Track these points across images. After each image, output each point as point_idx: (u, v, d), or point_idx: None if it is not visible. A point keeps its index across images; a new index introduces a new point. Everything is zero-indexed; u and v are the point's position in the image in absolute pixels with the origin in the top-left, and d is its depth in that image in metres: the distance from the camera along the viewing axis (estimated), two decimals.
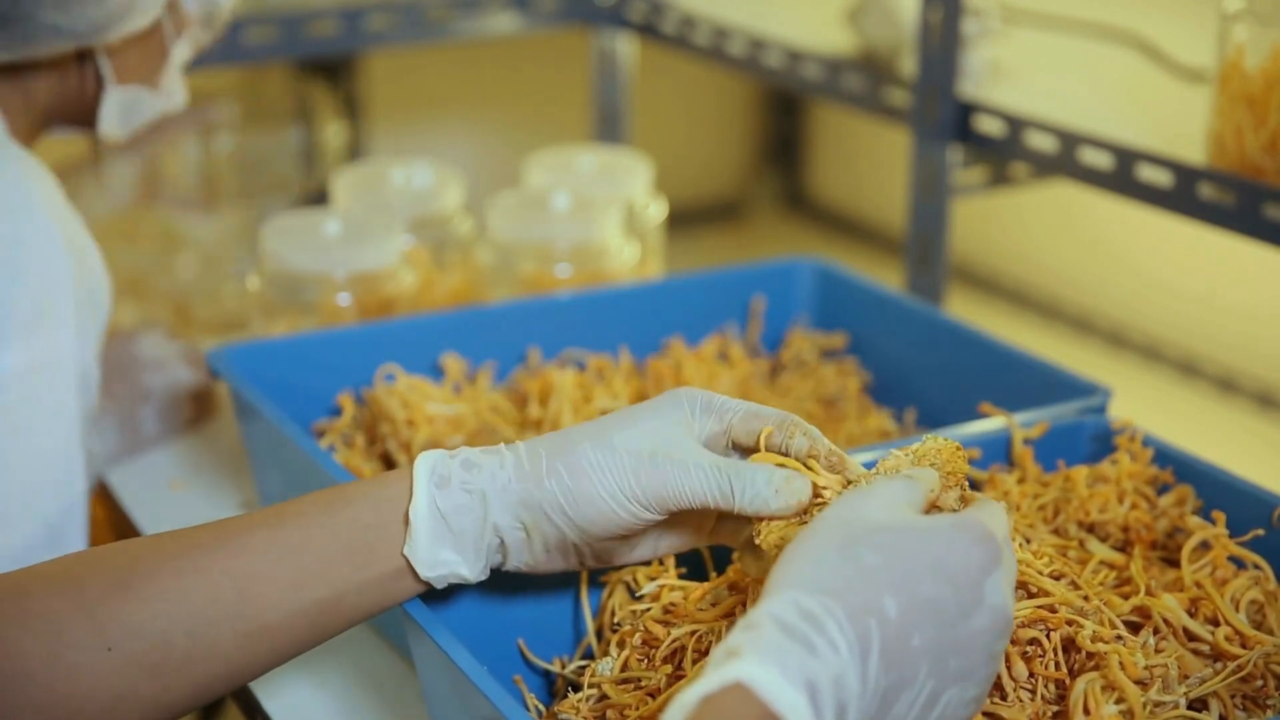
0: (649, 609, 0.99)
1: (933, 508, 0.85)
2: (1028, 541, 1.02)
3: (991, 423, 1.18)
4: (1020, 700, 0.87)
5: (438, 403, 1.29)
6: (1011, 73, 1.69)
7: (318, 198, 2.06)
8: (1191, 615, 0.97)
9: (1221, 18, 1.34)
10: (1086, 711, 0.85)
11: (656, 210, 1.70)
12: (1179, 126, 1.49)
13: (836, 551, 0.77)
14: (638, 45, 2.21)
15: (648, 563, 1.02)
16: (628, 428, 0.90)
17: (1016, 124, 1.56)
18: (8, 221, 1.18)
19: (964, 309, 2.25)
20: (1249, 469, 1.11)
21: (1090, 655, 0.88)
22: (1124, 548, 1.08)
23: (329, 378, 1.33)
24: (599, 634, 1.03)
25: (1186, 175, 1.39)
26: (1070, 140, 1.50)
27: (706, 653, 0.93)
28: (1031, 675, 0.87)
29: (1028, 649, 0.88)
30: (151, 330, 1.54)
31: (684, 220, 2.61)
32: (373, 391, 1.30)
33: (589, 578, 1.04)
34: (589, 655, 1.03)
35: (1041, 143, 1.53)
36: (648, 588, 1.01)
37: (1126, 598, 0.98)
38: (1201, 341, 2.22)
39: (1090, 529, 1.09)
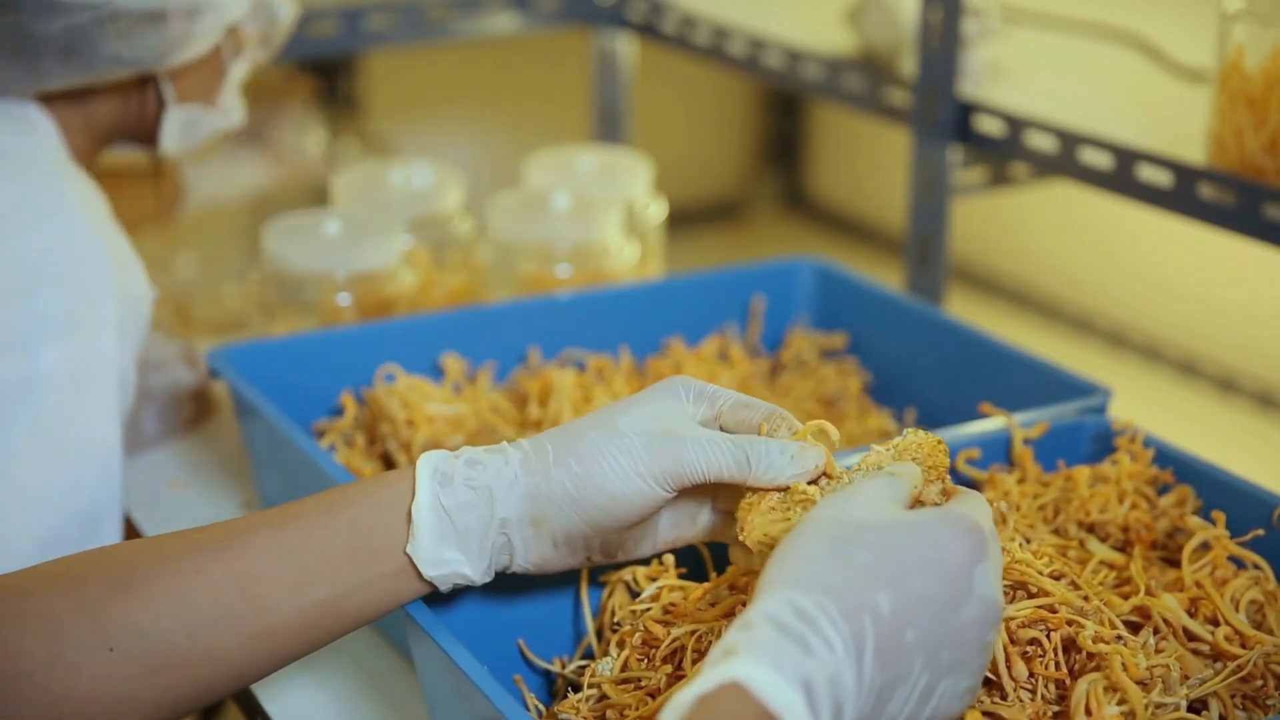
0: (649, 609, 0.99)
1: (916, 502, 0.86)
2: (1028, 541, 1.02)
3: (991, 423, 1.18)
4: (1020, 700, 0.87)
5: (438, 403, 1.29)
6: (1011, 73, 1.69)
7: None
8: (1191, 615, 0.97)
9: (1221, 18, 1.34)
10: (1088, 712, 0.85)
11: (656, 210, 1.70)
12: (1179, 126, 1.49)
13: (827, 550, 0.77)
14: (638, 45, 2.21)
15: (647, 561, 1.02)
16: (631, 412, 0.91)
17: (1016, 124, 1.56)
18: (48, 230, 1.23)
19: (964, 309, 2.25)
20: (1249, 469, 1.11)
21: (1091, 655, 0.88)
22: (1124, 548, 1.08)
23: (329, 378, 1.33)
24: (599, 634, 1.03)
25: (1186, 175, 1.39)
26: (1070, 140, 1.50)
27: (706, 653, 0.93)
28: (1031, 675, 0.87)
29: (1028, 649, 0.88)
30: (152, 330, 1.54)
31: (684, 220, 2.62)
32: (373, 391, 1.31)
33: (589, 577, 1.04)
34: (589, 655, 1.03)
35: (1041, 143, 1.53)
36: (648, 589, 1.01)
37: (1126, 598, 0.98)
38: (1201, 341, 2.22)
39: (1090, 529, 1.09)
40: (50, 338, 1.21)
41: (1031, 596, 0.91)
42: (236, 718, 1.67)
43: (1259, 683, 0.93)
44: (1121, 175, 1.46)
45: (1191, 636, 0.96)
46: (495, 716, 0.84)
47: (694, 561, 1.04)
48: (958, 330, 1.37)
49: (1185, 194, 1.39)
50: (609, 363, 1.40)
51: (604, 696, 0.95)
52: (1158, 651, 0.93)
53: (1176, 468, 1.12)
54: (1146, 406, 1.40)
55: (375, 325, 1.38)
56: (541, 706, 1.00)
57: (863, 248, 2.82)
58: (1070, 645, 0.89)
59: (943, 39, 1.58)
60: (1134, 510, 1.09)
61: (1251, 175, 1.33)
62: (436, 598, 0.96)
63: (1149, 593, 0.98)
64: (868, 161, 2.92)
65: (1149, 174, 1.43)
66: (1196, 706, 0.92)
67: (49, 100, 1.31)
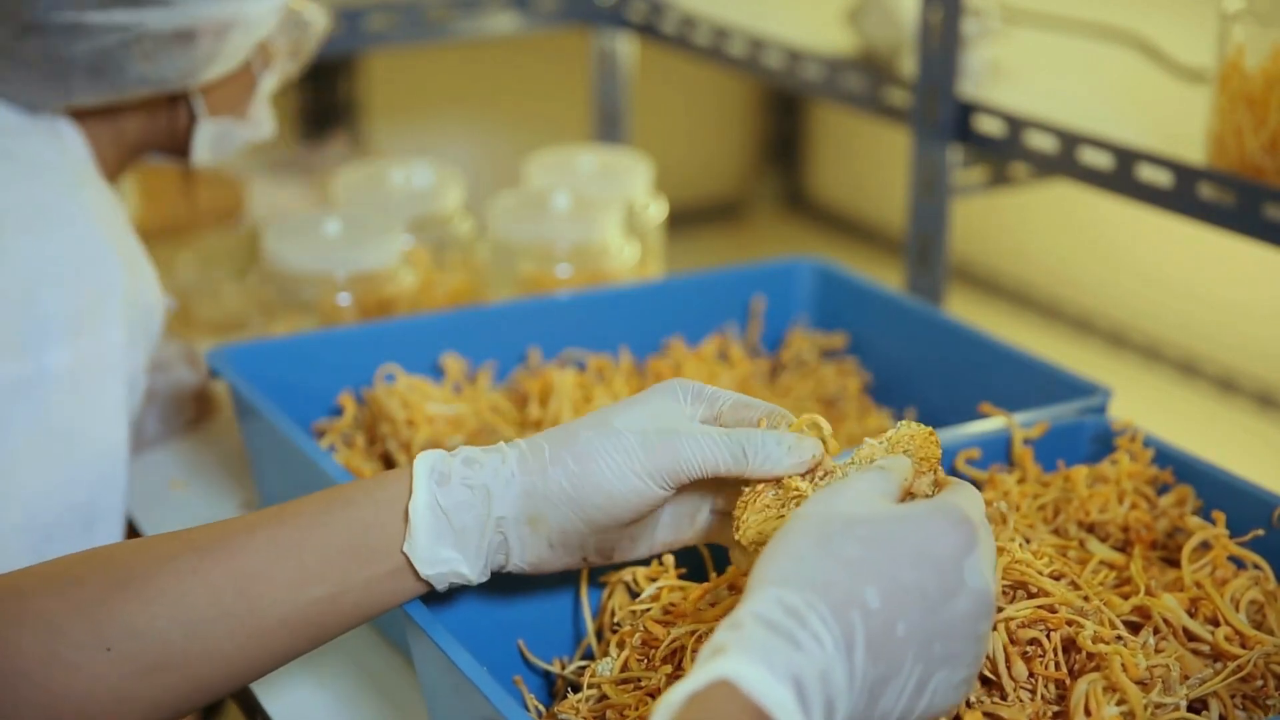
0: (649, 609, 0.99)
1: (907, 495, 0.86)
2: (1027, 541, 1.01)
3: (991, 423, 1.18)
4: (1020, 700, 0.87)
5: (438, 403, 1.29)
6: (1011, 73, 1.69)
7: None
8: (1191, 615, 0.97)
9: (1221, 18, 1.34)
10: (1088, 712, 0.85)
11: (656, 210, 1.70)
12: (1179, 126, 1.49)
13: (815, 546, 0.77)
14: (638, 45, 2.21)
15: (646, 562, 1.02)
16: (627, 412, 0.91)
17: (1016, 124, 1.56)
18: (61, 234, 1.25)
19: (964, 309, 2.25)
20: (1249, 469, 1.11)
21: (1090, 655, 0.88)
22: (1124, 548, 1.08)
23: (329, 378, 1.33)
24: (599, 634, 1.03)
25: (1186, 175, 1.39)
26: (1070, 140, 1.50)
27: None
28: (1031, 675, 0.87)
29: (1027, 649, 0.88)
30: None
31: (684, 220, 2.62)
32: (373, 391, 1.30)
33: (589, 578, 1.04)
34: (589, 655, 1.03)
35: (1041, 143, 1.53)
36: (648, 589, 1.01)
37: (1126, 598, 0.98)
38: (1201, 341, 2.22)
39: (1090, 529, 1.09)
40: (57, 338, 1.23)
41: (1031, 596, 0.91)
42: (236, 718, 1.67)
43: (1259, 683, 0.93)
44: (1121, 175, 1.46)
45: (1191, 636, 0.95)
46: (495, 717, 0.84)
47: (694, 561, 1.04)
48: (958, 330, 1.37)
49: (1185, 194, 1.39)
50: (609, 363, 1.40)
51: (604, 697, 0.95)
52: (1158, 651, 0.93)
53: (1176, 468, 1.11)
54: (1146, 406, 1.40)
55: (375, 325, 1.38)
56: (541, 707, 1.00)
57: (863, 248, 2.82)
58: (1070, 645, 0.89)
59: (943, 39, 1.58)
60: (1134, 510, 1.09)
61: (1251, 175, 1.33)
62: (436, 598, 0.96)
63: (1149, 593, 0.98)
64: (868, 161, 2.92)
65: (1149, 174, 1.43)
66: (1196, 706, 0.91)
67: (79, 115, 1.34)
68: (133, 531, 1.36)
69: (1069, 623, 0.89)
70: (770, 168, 3.08)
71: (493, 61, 2.73)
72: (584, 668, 1.01)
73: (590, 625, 1.03)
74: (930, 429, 0.90)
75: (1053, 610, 0.89)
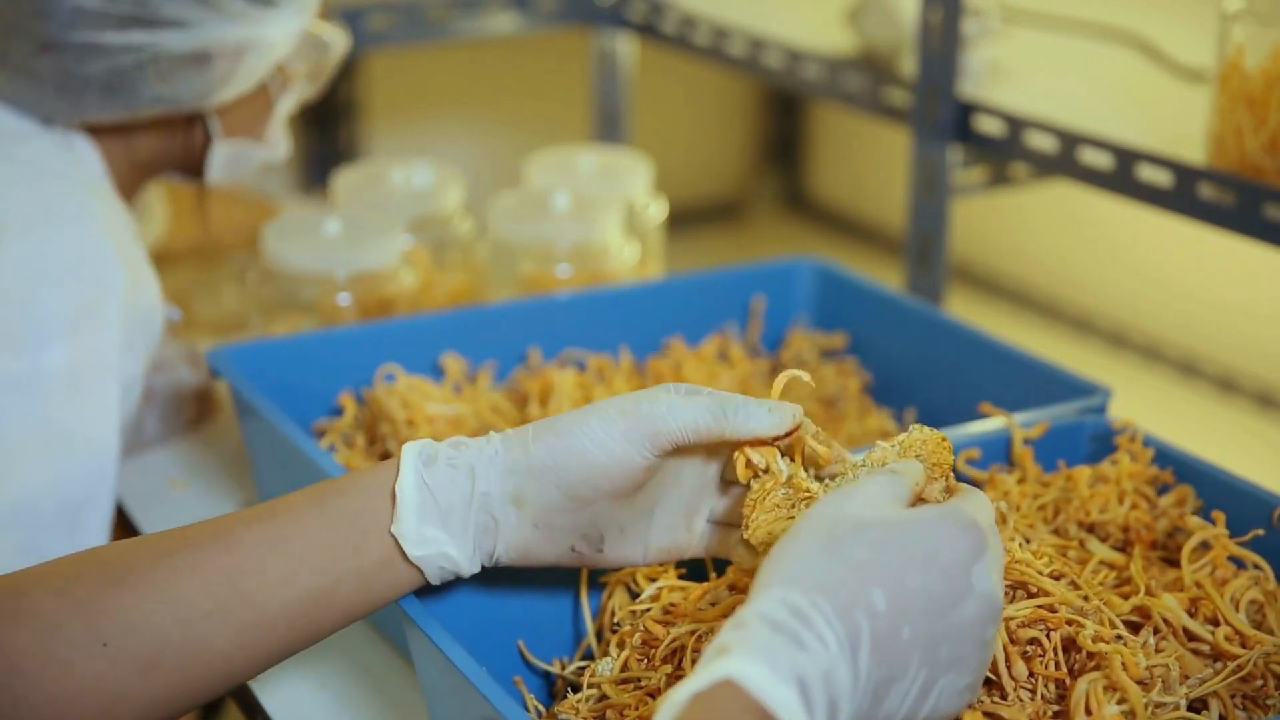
0: (649, 609, 0.99)
1: (918, 500, 0.86)
2: (1028, 541, 1.01)
3: (991, 423, 1.18)
4: (1020, 700, 0.87)
5: (438, 403, 1.29)
6: (1011, 73, 1.69)
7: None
8: (1191, 615, 0.97)
9: (1221, 18, 1.34)
10: (1088, 712, 0.85)
11: (656, 210, 1.70)
12: (1179, 126, 1.49)
13: (823, 547, 0.77)
14: (638, 45, 2.21)
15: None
16: (611, 398, 0.92)
17: (1016, 124, 1.56)
18: (61, 236, 1.25)
19: (964, 309, 2.25)
20: (1249, 469, 1.11)
21: (1090, 655, 0.88)
22: (1124, 548, 1.08)
23: (329, 378, 1.33)
24: (599, 634, 1.03)
25: (1186, 175, 1.39)
26: (1070, 140, 1.50)
27: None
28: (1031, 675, 0.87)
29: (1028, 649, 0.88)
30: None
31: (684, 220, 2.61)
32: (373, 391, 1.30)
33: (589, 578, 1.04)
34: (589, 656, 1.03)
35: (1041, 143, 1.53)
36: (648, 589, 1.01)
37: (1126, 598, 0.98)
38: (1201, 341, 2.22)
39: (1090, 529, 1.09)
40: (55, 337, 1.23)
41: (1031, 596, 0.91)
42: (236, 717, 1.67)
43: (1259, 683, 0.93)
44: (1121, 175, 1.46)
45: (1191, 636, 0.95)
46: (494, 717, 0.84)
47: (694, 561, 1.04)
48: (958, 330, 1.37)
49: (1185, 194, 1.39)
50: (609, 363, 1.40)
51: (604, 697, 0.95)
52: (1158, 651, 0.93)
53: (1176, 468, 1.12)
54: (1146, 406, 1.40)
55: (375, 325, 1.38)
56: (541, 707, 1.00)
57: (863, 248, 2.82)
58: (1070, 645, 0.89)
59: (943, 39, 1.58)
60: (1134, 510, 1.09)
61: (1251, 175, 1.33)
62: (436, 598, 0.96)
63: (1149, 593, 0.98)
64: (868, 161, 2.92)
65: (1149, 174, 1.43)
66: (1196, 706, 0.91)
67: (94, 130, 1.35)
68: (132, 531, 1.36)
69: (1069, 622, 0.89)
70: (770, 168, 3.07)
71: (493, 61, 2.72)
72: (584, 668, 1.01)
73: (590, 625, 1.03)
74: (943, 435, 0.90)
75: (1053, 610, 0.89)
